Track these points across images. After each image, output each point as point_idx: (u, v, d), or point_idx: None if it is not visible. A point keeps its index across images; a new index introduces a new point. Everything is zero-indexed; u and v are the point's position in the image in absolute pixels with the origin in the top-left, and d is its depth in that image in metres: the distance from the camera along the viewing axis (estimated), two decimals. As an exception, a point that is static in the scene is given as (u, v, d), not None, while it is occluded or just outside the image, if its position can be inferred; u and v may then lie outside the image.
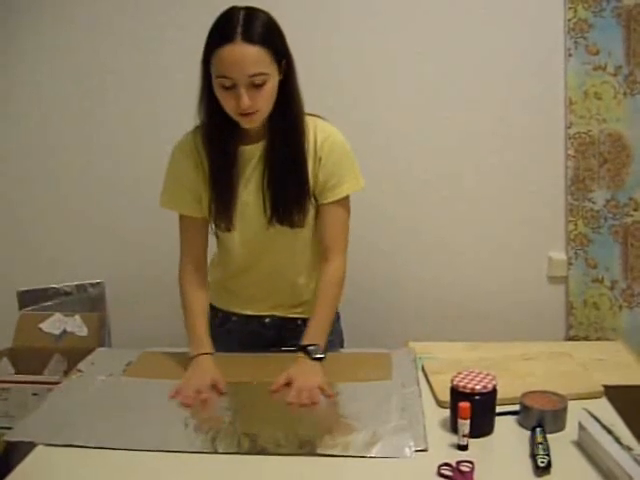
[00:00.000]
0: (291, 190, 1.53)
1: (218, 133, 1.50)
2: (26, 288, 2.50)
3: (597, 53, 2.17)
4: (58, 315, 2.44)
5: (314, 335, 1.54)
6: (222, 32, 1.38)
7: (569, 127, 2.25)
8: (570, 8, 2.16)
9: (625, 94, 2.18)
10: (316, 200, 1.58)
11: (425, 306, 2.43)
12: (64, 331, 2.41)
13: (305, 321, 1.69)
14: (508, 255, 2.39)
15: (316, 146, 1.54)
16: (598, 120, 2.22)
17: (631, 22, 2.12)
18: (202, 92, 1.47)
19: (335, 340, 1.74)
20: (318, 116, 1.58)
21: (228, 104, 1.42)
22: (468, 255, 2.40)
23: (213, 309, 1.71)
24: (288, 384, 1.45)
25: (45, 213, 2.49)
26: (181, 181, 1.58)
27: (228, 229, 1.57)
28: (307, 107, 1.55)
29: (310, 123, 1.54)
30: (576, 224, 2.31)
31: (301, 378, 1.45)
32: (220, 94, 1.41)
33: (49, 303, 2.50)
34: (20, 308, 2.48)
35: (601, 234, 2.29)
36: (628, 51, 2.14)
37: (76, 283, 2.51)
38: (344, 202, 1.59)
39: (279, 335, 1.73)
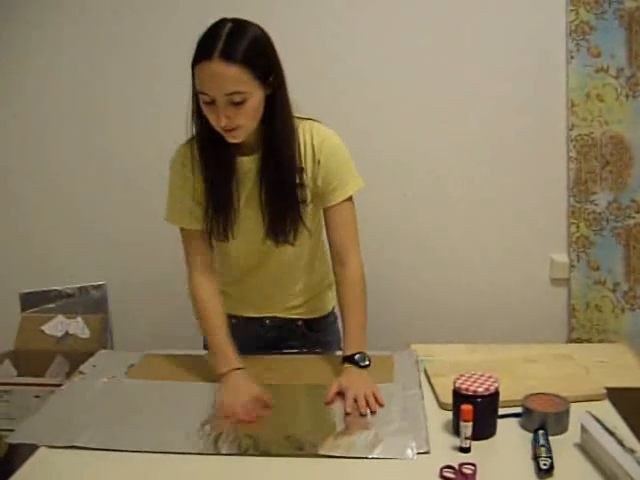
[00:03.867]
0: (284, 210, 1.51)
1: (212, 144, 1.48)
2: (28, 290, 2.50)
3: (599, 55, 2.17)
4: (60, 317, 2.44)
5: (356, 343, 1.51)
6: (203, 47, 1.35)
7: (571, 129, 2.25)
8: (572, 10, 2.16)
9: (627, 96, 2.17)
10: (313, 204, 1.56)
11: (427, 308, 2.43)
12: (66, 333, 2.41)
13: (305, 321, 1.70)
14: (510, 257, 2.39)
15: (314, 149, 1.52)
16: (600, 122, 2.22)
17: (633, 24, 2.12)
18: (193, 103, 1.44)
19: (332, 340, 1.74)
20: (314, 120, 1.56)
21: (211, 118, 1.39)
22: (470, 257, 2.40)
23: None
24: (340, 393, 1.43)
25: (47, 216, 2.50)
26: (182, 194, 1.55)
27: (226, 239, 1.56)
28: (305, 113, 1.54)
29: (306, 127, 1.52)
30: (578, 226, 2.31)
31: (354, 387, 1.41)
32: (204, 108, 1.40)
33: (51, 305, 2.50)
34: (22, 310, 2.49)
35: (603, 236, 2.29)
36: (630, 53, 2.14)
37: (78, 285, 2.52)
38: (349, 202, 1.56)
39: (279, 336, 1.73)
